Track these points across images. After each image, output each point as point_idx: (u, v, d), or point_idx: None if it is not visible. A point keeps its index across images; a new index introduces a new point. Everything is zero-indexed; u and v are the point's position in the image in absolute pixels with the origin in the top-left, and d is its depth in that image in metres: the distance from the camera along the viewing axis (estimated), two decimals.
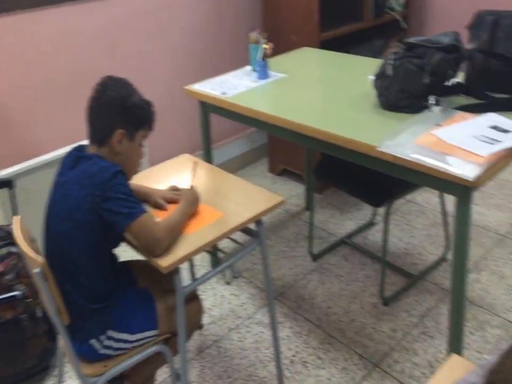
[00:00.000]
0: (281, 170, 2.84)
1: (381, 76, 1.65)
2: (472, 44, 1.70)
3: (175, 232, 1.24)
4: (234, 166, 2.89)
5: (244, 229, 1.39)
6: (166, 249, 1.20)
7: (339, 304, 1.93)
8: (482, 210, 2.42)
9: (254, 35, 2.01)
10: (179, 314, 1.26)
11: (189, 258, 1.25)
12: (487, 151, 1.33)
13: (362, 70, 1.90)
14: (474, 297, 1.93)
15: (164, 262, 1.18)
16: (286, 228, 2.40)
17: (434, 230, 2.29)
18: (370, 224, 2.38)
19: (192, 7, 2.50)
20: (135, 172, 1.32)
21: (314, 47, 2.35)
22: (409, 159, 1.33)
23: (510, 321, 1.81)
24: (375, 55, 2.41)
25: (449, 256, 2.07)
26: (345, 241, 2.27)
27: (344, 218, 2.43)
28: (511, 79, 1.61)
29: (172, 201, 1.38)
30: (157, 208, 1.38)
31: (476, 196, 2.51)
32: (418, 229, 2.32)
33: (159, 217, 1.29)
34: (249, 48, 2.01)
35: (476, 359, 1.66)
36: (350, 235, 2.30)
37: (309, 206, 2.40)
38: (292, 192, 2.68)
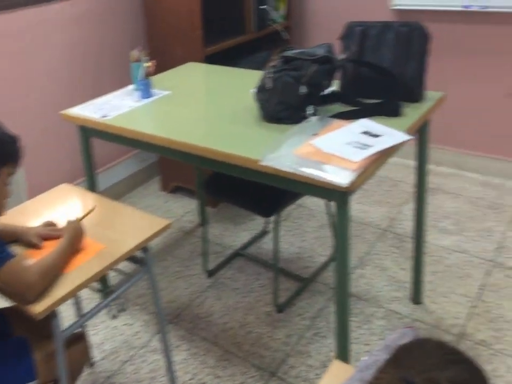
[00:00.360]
0: (174, 187, 2.76)
1: (261, 89, 1.65)
2: (344, 53, 1.78)
3: (51, 274, 1.12)
4: (124, 189, 2.76)
5: (131, 258, 1.30)
6: (41, 294, 1.08)
7: (235, 318, 1.90)
8: (365, 208, 2.53)
9: (135, 53, 1.92)
10: (59, 360, 1.15)
11: (67, 299, 1.13)
12: (359, 156, 1.37)
13: (247, 83, 1.88)
14: (361, 292, 1.99)
15: (37, 308, 1.07)
16: (181, 247, 2.33)
17: (323, 232, 2.34)
18: (264, 233, 2.38)
19: (69, 25, 2.34)
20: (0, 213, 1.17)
21: (200, 61, 2.30)
22: (289, 170, 1.33)
23: (392, 311, 1.89)
24: (260, 67, 2.45)
25: None
26: (240, 253, 2.24)
27: (239, 230, 2.41)
28: (379, 85, 1.68)
29: (48, 238, 1.25)
30: (31, 247, 1.24)
31: (359, 194, 2.61)
32: (309, 232, 2.36)
33: (35, 257, 1.16)
34: (131, 67, 1.94)
35: (364, 352, 1.70)
36: (245, 246, 2.28)
37: (203, 222, 2.32)
38: (185, 209, 2.62)
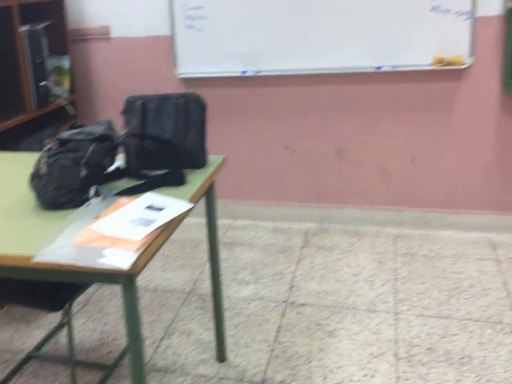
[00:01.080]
0: None
1: (36, 176, 1.54)
2: (126, 128, 1.81)
3: None
4: None
5: None
6: None
7: None
8: (169, 275, 2.54)
9: None
10: None
11: None
12: (141, 234, 1.35)
13: (25, 168, 1.71)
14: (168, 364, 1.95)
15: None
16: None
17: None
18: (61, 326, 2.19)
19: None
20: None
21: None
22: (67, 263, 1.26)
23: (199, 375, 1.89)
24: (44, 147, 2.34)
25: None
26: (33, 356, 2.02)
27: (32, 329, 2.19)
28: (163, 156, 1.74)
29: None
30: None
31: (163, 262, 2.63)
32: (112, 313, 2.27)
33: None
34: None
35: None
36: (40, 346, 2.07)
37: None
38: None
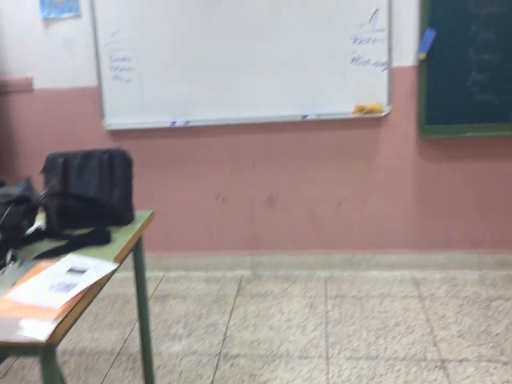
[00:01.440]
0: None
1: None
2: (47, 187, 1.79)
3: None
4: None
5: None
6: None
7: None
8: (96, 335, 2.48)
9: None
10: None
11: None
12: (61, 301, 1.33)
13: None
14: None
15: None
16: None
17: None
18: None
19: None
20: None
21: None
22: None
23: None
24: None
25: None
26: None
27: None
28: (88, 214, 1.74)
29: None
30: None
31: (90, 322, 2.57)
32: (34, 382, 2.17)
33: None
34: None
35: None
36: None
37: None
38: None
